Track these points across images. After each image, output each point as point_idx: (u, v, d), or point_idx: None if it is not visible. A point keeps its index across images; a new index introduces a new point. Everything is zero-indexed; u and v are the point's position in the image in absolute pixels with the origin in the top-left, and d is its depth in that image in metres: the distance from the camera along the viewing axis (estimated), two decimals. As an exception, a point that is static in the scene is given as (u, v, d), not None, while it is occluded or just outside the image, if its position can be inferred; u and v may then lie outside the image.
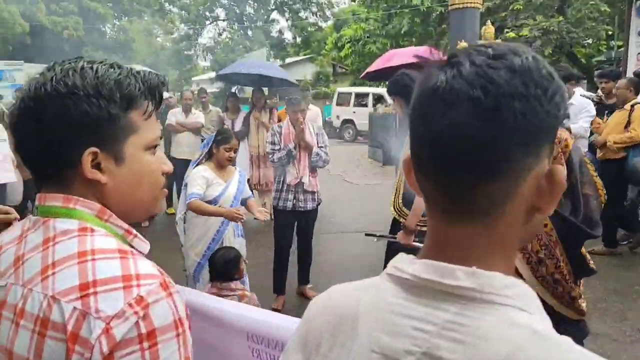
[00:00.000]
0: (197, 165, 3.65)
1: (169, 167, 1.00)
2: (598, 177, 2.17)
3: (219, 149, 3.55)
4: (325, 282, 4.78)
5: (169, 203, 7.75)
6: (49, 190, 0.88)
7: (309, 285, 4.66)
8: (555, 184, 0.62)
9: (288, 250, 4.49)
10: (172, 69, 32.20)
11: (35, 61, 19.04)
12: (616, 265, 5.20)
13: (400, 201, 3.32)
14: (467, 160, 0.58)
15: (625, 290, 4.54)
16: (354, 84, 26.54)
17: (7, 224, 1.90)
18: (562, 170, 0.62)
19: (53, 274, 0.78)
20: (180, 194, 3.86)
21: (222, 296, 3.08)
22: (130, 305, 0.75)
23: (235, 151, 3.65)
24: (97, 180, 0.86)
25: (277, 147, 4.35)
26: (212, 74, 31.24)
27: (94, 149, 0.85)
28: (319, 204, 4.52)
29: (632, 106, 5.20)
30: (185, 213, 3.72)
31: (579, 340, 2.16)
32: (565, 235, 2.02)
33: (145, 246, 0.92)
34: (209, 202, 3.49)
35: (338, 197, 8.40)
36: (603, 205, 2.15)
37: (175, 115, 7.39)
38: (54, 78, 0.85)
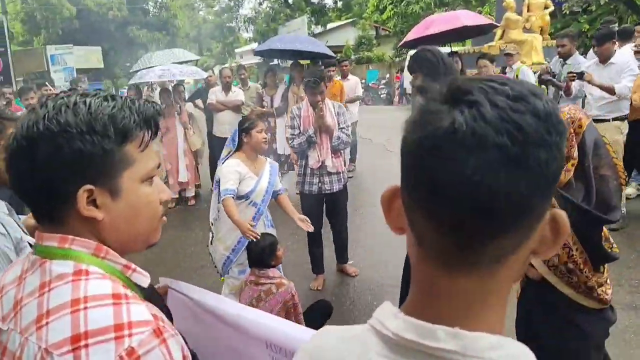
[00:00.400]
0: (226, 160, 3.54)
1: (167, 194, 1.00)
2: (618, 159, 2.01)
3: (251, 135, 3.45)
4: (365, 257, 4.84)
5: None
6: (46, 228, 0.89)
7: (349, 262, 4.65)
8: (559, 234, 0.60)
9: (319, 232, 4.42)
10: (215, 42, 32.44)
11: (83, 43, 19.65)
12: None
13: None
14: (488, 211, 0.54)
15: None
16: (396, 48, 25.88)
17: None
18: (565, 217, 0.60)
19: (47, 323, 0.79)
20: (214, 188, 3.71)
21: (260, 284, 3.14)
22: (121, 357, 0.75)
23: (267, 131, 3.57)
24: (94, 217, 0.87)
25: (296, 132, 4.23)
26: (255, 45, 31.26)
27: (88, 186, 0.85)
28: (346, 183, 4.41)
29: None
30: (218, 212, 3.63)
31: (603, 330, 2.05)
32: (578, 223, 1.90)
33: (145, 279, 0.93)
34: (242, 197, 3.44)
35: (380, 167, 8.32)
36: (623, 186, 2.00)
37: (215, 94, 7.45)
38: (46, 116, 0.85)
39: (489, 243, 0.56)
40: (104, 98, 0.90)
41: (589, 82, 4.92)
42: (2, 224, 1.66)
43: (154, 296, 1.12)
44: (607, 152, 1.97)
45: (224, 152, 3.64)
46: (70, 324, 0.78)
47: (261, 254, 3.16)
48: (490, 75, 0.59)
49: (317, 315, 3.46)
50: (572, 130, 1.99)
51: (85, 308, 0.79)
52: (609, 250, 1.98)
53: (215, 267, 3.75)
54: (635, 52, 5.51)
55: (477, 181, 0.53)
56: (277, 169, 3.71)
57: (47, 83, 8.04)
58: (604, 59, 5.08)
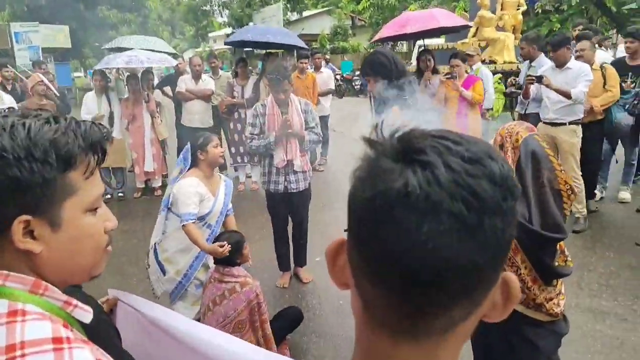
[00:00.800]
0: (180, 179, 3.31)
1: (113, 223, 0.94)
2: (562, 171, 2.00)
3: (207, 151, 3.27)
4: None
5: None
6: None
7: (304, 267, 4.53)
8: (510, 299, 0.57)
9: (286, 229, 4.38)
10: (188, 25, 31.78)
11: (50, 22, 18.98)
12: (633, 238, 5.06)
13: None
14: (440, 281, 0.50)
15: (640, 266, 4.42)
16: (372, 38, 25.88)
17: None
18: (516, 281, 0.57)
19: None
20: (161, 211, 3.42)
21: (224, 282, 3.09)
22: None
23: (237, 122, 3.40)
24: (30, 250, 0.80)
25: (256, 131, 4.05)
26: (229, 30, 30.75)
27: (25, 216, 0.79)
28: (309, 182, 4.31)
29: (601, 66, 5.41)
30: (163, 233, 3.41)
31: (554, 342, 2.08)
32: (525, 242, 1.91)
33: (87, 315, 0.86)
34: (198, 219, 3.28)
35: (352, 162, 8.30)
36: (569, 197, 1.99)
37: (185, 82, 7.28)
38: None
39: (439, 313, 0.53)
40: (46, 120, 0.83)
41: (547, 86, 4.99)
42: None
43: (100, 320, 1.05)
44: (549, 163, 1.95)
45: (175, 172, 3.43)
46: None
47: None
48: (441, 130, 0.55)
49: (286, 322, 3.43)
50: (509, 145, 2.00)
51: (23, 355, 0.71)
52: (563, 264, 1.99)
53: (152, 289, 3.49)
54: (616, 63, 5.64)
55: (430, 249, 0.49)
56: (231, 187, 3.54)
57: (8, 65, 7.70)
58: (560, 64, 5.16)
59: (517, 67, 9.99)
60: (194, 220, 3.18)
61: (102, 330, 0.87)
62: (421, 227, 0.49)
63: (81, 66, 29.01)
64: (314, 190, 6.52)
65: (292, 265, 4.53)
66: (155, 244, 3.45)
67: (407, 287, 0.51)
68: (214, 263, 3.21)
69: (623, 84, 5.60)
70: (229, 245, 3.07)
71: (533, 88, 5.43)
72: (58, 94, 7.18)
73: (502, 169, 0.52)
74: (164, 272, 3.40)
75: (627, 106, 5.53)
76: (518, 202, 0.54)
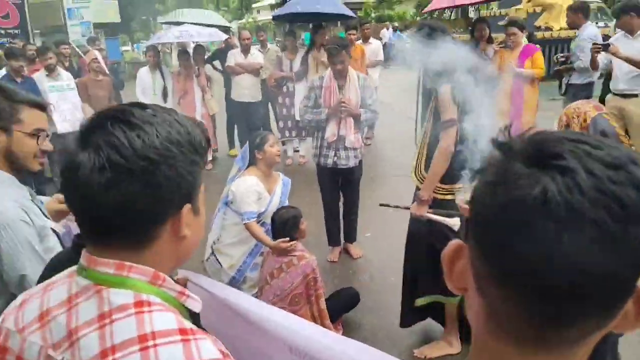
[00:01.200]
0: (238, 177, 3.36)
1: None
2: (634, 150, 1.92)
3: (265, 150, 3.30)
4: (382, 227, 4.81)
5: (231, 144, 7.89)
6: (101, 251, 0.84)
7: (354, 243, 4.55)
8: None
9: (337, 204, 4.38)
10: (232, -4, 31.77)
11: (100, -3, 19.36)
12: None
13: (423, 167, 3.04)
14: (580, 293, 0.49)
15: None
16: (418, 5, 25.10)
17: (65, 213, 1.98)
18: None
19: None
20: (219, 209, 3.48)
21: (281, 255, 3.15)
22: None
23: (286, 95, 3.40)
24: (185, 235, 0.87)
25: (310, 104, 4.04)
26: (272, 1, 30.53)
27: (189, 205, 0.87)
28: (361, 160, 4.30)
29: None
30: (219, 237, 3.44)
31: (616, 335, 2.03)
32: None
33: (198, 305, 0.91)
34: None
35: (400, 135, 8.19)
36: None
37: (234, 57, 7.32)
38: (158, 135, 0.82)
39: (573, 324, 0.51)
40: (181, 118, 0.90)
41: (614, 54, 4.71)
42: (25, 212, 1.64)
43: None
44: (620, 143, 1.89)
45: (233, 171, 3.47)
46: None
47: (284, 226, 3.16)
48: (574, 130, 0.53)
49: (342, 302, 3.47)
50: (576, 125, 1.96)
51: (155, 345, 0.76)
52: None
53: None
54: None
55: (570, 261, 0.47)
56: (289, 186, 3.55)
57: (66, 42, 7.94)
58: (628, 31, 4.86)
59: (575, 34, 9.53)
60: (255, 218, 3.23)
61: (196, 320, 0.90)
62: (561, 237, 0.47)
63: (129, 40, 29.60)
64: (362, 164, 6.53)
65: (343, 240, 4.55)
66: (213, 242, 3.49)
67: (542, 299, 0.50)
68: (272, 238, 3.27)
69: None
70: (291, 224, 3.13)
71: (601, 57, 5.09)
72: (109, 71, 7.37)
73: None
74: (219, 263, 3.46)
75: None
76: None
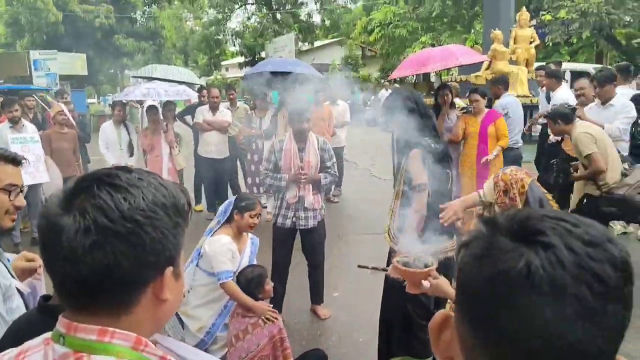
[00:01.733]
0: (213, 233, 3.33)
1: None
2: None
3: (243, 216, 3.30)
4: (350, 286, 4.79)
5: (198, 200, 7.82)
6: (80, 316, 0.81)
7: (321, 304, 4.43)
8: None
9: (286, 269, 4.23)
10: (201, 54, 32.32)
11: (68, 50, 19.41)
12: None
13: (395, 226, 3.06)
14: None
15: None
16: (382, 69, 26.14)
17: (31, 271, 1.91)
18: None
19: None
20: (189, 264, 3.36)
21: (247, 316, 3.09)
22: None
23: (259, 216, 3.38)
24: (166, 299, 0.86)
25: (271, 167, 4.04)
26: (241, 59, 31.21)
27: (171, 268, 0.86)
28: (323, 220, 4.25)
29: None
30: (189, 290, 3.32)
31: None
32: None
33: None
34: None
35: (365, 193, 8.32)
36: None
37: (202, 113, 7.38)
38: (144, 197, 0.83)
39: None
40: (160, 181, 0.90)
41: (580, 118, 4.94)
42: None
43: None
44: (550, 207, 2.03)
45: (213, 223, 3.43)
46: None
47: (248, 284, 3.11)
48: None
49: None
50: (516, 191, 2.07)
51: None
52: None
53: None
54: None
55: (554, 334, 0.49)
56: (257, 246, 3.54)
57: (33, 95, 7.87)
58: (605, 100, 5.12)
59: (531, 100, 10.07)
60: (231, 278, 3.16)
61: None
62: (545, 311, 0.49)
63: (95, 92, 29.49)
64: (329, 222, 6.53)
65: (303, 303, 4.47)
66: (186, 291, 3.36)
67: None
68: None
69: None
70: (256, 282, 3.09)
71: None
72: (76, 124, 7.29)
73: (622, 253, 0.53)
74: (182, 325, 3.33)
75: None
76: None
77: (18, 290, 1.71)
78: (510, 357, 0.52)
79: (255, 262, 3.45)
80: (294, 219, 4.07)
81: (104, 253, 0.78)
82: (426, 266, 2.23)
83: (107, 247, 0.78)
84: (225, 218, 3.35)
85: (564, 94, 6.20)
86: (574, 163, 4.73)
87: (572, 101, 5.86)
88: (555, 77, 6.44)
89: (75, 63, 19.39)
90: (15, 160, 1.71)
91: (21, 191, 1.75)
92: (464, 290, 0.57)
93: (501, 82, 6.44)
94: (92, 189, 0.82)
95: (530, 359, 0.51)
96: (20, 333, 1.23)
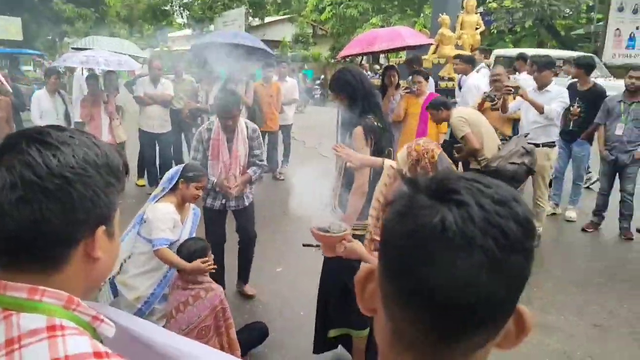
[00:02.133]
0: (157, 200, 3.27)
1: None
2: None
3: (189, 186, 3.26)
4: (293, 262, 4.84)
5: (140, 174, 7.62)
6: (10, 275, 0.81)
7: (248, 284, 4.42)
8: (523, 330, 0.62)
9: (221, 246, 4.14)
10: (147, 24, 31.18)
11: (1, 13, 18.22)
12: (579, 255, 5.34)
13: (337, 203, 3.13)
14: (468, 310, 0.56)
15: (586, 283, 4.67)
16: (333, 48, 26.09)
17: None
18: (529, 314, 0.63)
19: None
20: (129, 231, 3.30)
21: (188, 288, 3.08)
22: None
23: (204, 188, 3.36)
24: (98, 257, 0.87)
25: (199, 157, 3.92)
26: (189, 32, 30.34)
27: (103, 227, 0.86)
28: (252, 200, 4.23)
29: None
30: (121, 268, 3.23)
31: None
32: None
33: (110, 330, 0.90)
34: None
35: (312, 172, 8.35)
36: None
37: (143, 86, 7.15)
38: (74, 155, 0.83)
39: (463, 339, 0.59)
40: (94, 140, 0.90)
41: (522, 96, 5.20)
42: None
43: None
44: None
45: (158, 190, 3.36)
46: None
47: (191, 256, 3.09)
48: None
49: (251, 336, 3.43)
50: (427, 161, 2.20)
51: None
52: None
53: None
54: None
55: (461, 282, 0.54)
56: (198, 217, 3.51)
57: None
58: (542, 85, 5.38)
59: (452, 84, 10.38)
60: (166, 245, 3.11)
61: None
62: (455, 261, 0.54)
63: (31, 60, 27.89)
64: (275, 199, 6.56)
65: (260, 271, 4.50)
66: (123, 260, 3.27)
67: (437, 316, 0.57)
68: (177, 270, 3.18)
69: (571, 108, 5.93)
70: (199, 255, 3.07)
71: (512, 105, 5.56)
72: (12, 90, 6.91)
73: (525, 212, 0.58)
74: (115, 294, 3.27)
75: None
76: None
77: None
78: (423, 303, 0.57)
79: (194, 233, 3.43)
80: (223, 200, 4.03)
81: (31, 208, 0.78)
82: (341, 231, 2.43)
83: (34, 203, 0.78)
84: (170, 186, 3.29)
85: (474, 80, 6.51)
86: (457, 145, 5.10)
87: (484, 87, 6.15)
88: (471, 63, 6.78)
89: (9, 27, 18.24)
90: None
91: None
92: (385, 244, 0.61)
93: (470, 62, 6.77)
94: (21, 145, 0.81)
95: (441, 305, 0.56)
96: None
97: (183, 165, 3.44)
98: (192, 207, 3.48)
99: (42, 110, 6.68)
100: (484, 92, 5.93)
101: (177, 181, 3.29)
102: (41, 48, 24.60)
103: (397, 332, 0.62)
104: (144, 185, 7.44)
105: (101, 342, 0.87)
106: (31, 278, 0.81)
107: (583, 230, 5.98)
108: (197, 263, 3.04)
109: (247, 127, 4.03)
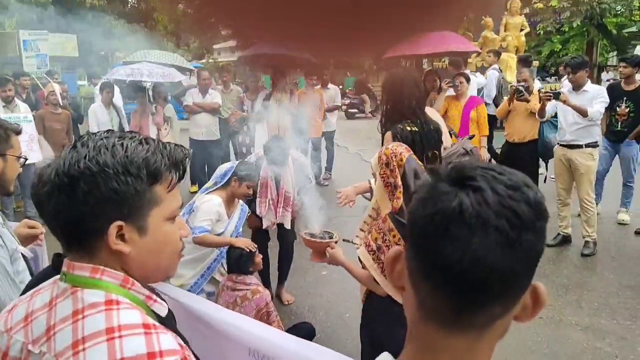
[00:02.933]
0: (208, 192, 3.44)
1: (186, 231, 1.09)
2: None
3: (241, 184, 3.41)
4: (334, 274, 4.89)
5: (193, 182, 7.90)
6: (76, 257, 0.96)
7: (284, 287, 4.46)
8: (539, 303, 0.70)
9: (265, 249, 4.21)
10: (193, 36, 32.00)
11: (58, 31, 19.19)
12: (632, 259, 5.18)
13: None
14: (484, 283, 0.63)
15: (640, 287, 4.53)
16: (375, 54, 26.05)
17: (33, 238, 2.02)
18: (543, 288, 0.70)
19: (84, 349, 0.86)
20: (183, 213, 3.42)
21: (236, 290, 3.20)
22: None
23: (255, 189, 3.47)
24: (120, 250, 0.95)
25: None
26: (233, 43, 30.88)
27: (119, 222, 0.93)
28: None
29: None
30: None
31: None
32: (405, 235, 2.11)
33: (163, 309, 1.01)
34: None
35: (354, 178, 8.40)
36: None
37: (192, 96, 7.44)
38: (87, 155, 0.92)
39: (481, 310, 0.66)
40: (139, 141, 0.97)
41: (564, 102, 5.05)
42: (0, 235, 1.68)
43: (168, 321, 1.20)
44: (426, 177, 2.17)
45: (210, 183, 3.49)
46: (107, 351, 0.85)
47: (238, 259, 3.21)
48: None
49: (300, 335, 3.50)
50: (395, 163, 2.24)
51: (120, 337, 0.86)
52: None
53: None
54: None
55: (479, 258, 0.62)
56: (246, 213, 3.65)
57: (27, 73, 7.87)
58: (578, 86, 5.23)
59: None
60: (206, 233, 3.26)
61: (170, 327, 1.00)
62: (472, 240, 0.62)
63: (85, 74, 29.19)
64: (320, 204, 6.61)
65: (307, 273, 4.60)
66: None
67: (457, 287, 0.64)
68: (227, 272, 3.32)
69: (617, 108, 5.77)
70: (245, 259, 3.20)
71: (548, 107, 5.46)
72: (69, 104, 7.30)
73: (536, 196, 0.66)
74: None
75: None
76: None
77: (22, 255, 1.82)
78: (444, 276, 0.65)
79: (241, 228, 3.57)
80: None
81: (52, 202, 0.93)
82: (330, 238, 2.61)
83: (52, 198, 0.93)
84: (223, 181, 3.43)
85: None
86: None
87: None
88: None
89: (66, 44, 19.22)
90: (19, 132, 1.84)
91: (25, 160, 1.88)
92: (412, 227, 0.70)
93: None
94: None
95: (460, 277, 0.63)
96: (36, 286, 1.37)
97: (237, 162, 3.58)
98: (240, 204, 3.63)
99: (99, 122, 7.06)
100: (513, 85, 5.86)
101: (229, 177, 3.43)
102: (94, 63, 25.72)
103: (423, 305, 0.70)
104: (196, 192, 7.70)
105: (155, 318, 0.98)
106: (93, 260, 0.95)
107: (636, 233, 5.78)
108: (246, 239, 3.21)
109: (292, 161, 3.98)
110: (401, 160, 2.23)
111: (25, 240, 1.94)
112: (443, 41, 6.11)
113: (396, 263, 0.76)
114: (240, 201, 3.65)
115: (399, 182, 2.21)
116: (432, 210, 0.65)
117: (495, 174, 0.66)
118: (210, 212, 3.31)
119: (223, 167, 3.55)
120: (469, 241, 0.62)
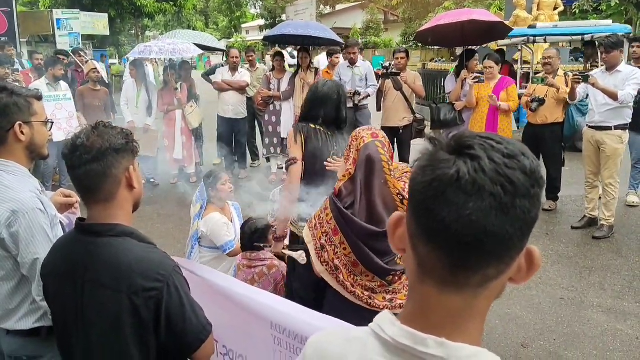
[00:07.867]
0: (202, 216, 3.53)
1: None
2: (392, 176, 2.14)
3: (217, 188, 3.53)
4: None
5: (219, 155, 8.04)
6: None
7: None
8: (533, 266, 0.73)
9: None
10: (221, 16, 32.15)
11: (89, 9, 19.48)
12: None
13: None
14: (480, 245, 0.67)
15: (665, 270, 4.47)
16: (404, 34, 25.72)
17: (69, 206, 2.12)
18: (538, 252, 0.73)
19: None
20: (192, 247, 3.56)
21: (252, 267, 3.24)
22: None
23: (229, 180, 3.59)
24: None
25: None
26: (262, 22, 30.97)
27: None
28: None
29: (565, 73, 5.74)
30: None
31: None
32: (342, 225, 2.12)
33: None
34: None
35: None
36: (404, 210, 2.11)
37: (222, 74, 7.53)
38: None
39: (477, 270, 0.70)
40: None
41: (593, 85, 4.90)
42: (41, 201, 1.78)
43: None
44: (381, 168, 2.13)
45: (196, 209, 3.58)
46: None
47: (253, 234, 3.24)
48: (487, 132, 0.72)
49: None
50: (353, 148, 2.20)
51: None
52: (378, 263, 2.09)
53: None
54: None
55: (473, 221, 0.66)
56: (239, 209, 3.78)
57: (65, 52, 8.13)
58: (611, 66, 5.08)
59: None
60: (234, 246, 3.45)
61: None
62: (467, 204, 0.66)
63: (116, 53, 29.65)
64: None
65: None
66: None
67: (453, 248, 0.69)
68: (242, 249, 3.39)
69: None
70: (260, 234, 3.25)
71: (579, 89, 5.29)
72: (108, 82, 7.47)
73: (532, 164, 0.69)
74: None
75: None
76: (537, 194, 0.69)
77: (61, 222, 1.93)
78: (441, 238, 0.69)
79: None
80: None
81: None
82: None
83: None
84: (205, 200, 3.56)
85: None
86: None
87: None
88: None
89: (97, 23, 19.46)
90: (40, 97, 1.92)
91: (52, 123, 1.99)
92: (412, 193, 0.74)
93: None
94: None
95: (457, 241, 0.67)
96: (57, 245, 1.57)
97: (203, 179, 3.68)
98: (231, 204, 3.75)
99: (128, 97, 7.24)
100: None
101: (207, 192, 3.55)
102: (125, 42, 26.07)
103: (422, 265, 0.74)
104: (218, 163, 7.96)
105: None
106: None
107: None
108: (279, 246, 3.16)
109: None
110: (360, 144, 2.19)
111: (61, 208, 2.04)
112: (466, 12, 6.04)
113: (397, 227, 0.80)
114: (229, 202, 3.76)
115: (349, 166, 2.19)
116: (430, 177, 0.69)
117: (493, 143, 0.69)
118: (221, 226, 3.46)
119: (197, 192, 3.66)
120: (464, 206, 0.66)
